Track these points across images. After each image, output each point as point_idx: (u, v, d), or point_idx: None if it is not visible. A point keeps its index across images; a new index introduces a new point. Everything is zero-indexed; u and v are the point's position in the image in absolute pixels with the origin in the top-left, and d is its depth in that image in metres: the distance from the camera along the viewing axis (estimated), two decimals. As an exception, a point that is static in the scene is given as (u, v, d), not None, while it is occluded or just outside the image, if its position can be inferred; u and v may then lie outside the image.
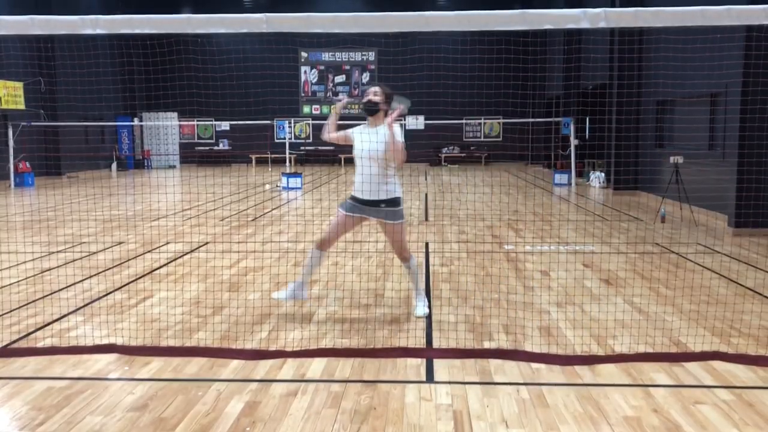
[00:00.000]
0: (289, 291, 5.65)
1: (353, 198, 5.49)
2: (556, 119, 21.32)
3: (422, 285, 5.86)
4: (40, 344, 4.99)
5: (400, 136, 5.21)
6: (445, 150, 28.41)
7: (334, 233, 5.59)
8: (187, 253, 8.60)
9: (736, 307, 5.77)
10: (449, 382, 4.21)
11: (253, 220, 11.93)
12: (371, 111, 5.44)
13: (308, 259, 5.62)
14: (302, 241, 9.53)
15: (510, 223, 11.21)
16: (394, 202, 5.39)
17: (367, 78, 29.42)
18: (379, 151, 5.28)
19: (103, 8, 23.90)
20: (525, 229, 10.64)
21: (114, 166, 26.50)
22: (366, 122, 5.55)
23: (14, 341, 5.06)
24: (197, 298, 6.31)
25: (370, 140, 5.32)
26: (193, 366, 4.50)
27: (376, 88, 5.47)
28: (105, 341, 5.01)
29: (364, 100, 5.46)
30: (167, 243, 9.35)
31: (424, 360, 4.59)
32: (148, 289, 6.66)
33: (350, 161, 23.87)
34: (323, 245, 5.58)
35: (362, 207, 5.45)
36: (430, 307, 5.82)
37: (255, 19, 4.39)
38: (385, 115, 5.36)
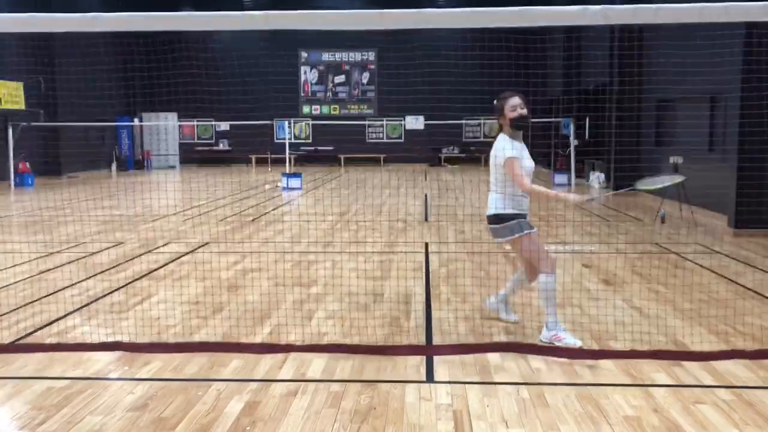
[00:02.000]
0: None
1: (524, 216, 4.91)
2: (556, 119, 21.31)
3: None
4: (40, 344, 4.98)
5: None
6: (444, 150, 28.41)
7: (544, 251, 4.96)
8: (187, 254, 8.60)
9: (736, 307, 5.76)
10: (449, 382, 4.21)
11: (253, 220, 11.92)
12: (525, 125, 4.88)
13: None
14: (302, 241, 9.53)
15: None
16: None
17: (367, 78, 29.40)
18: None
19: (103, 7, 23.88)
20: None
21: (114, 166, 26.49)
22: (507, 135, 4.90)
23: (14, 341, 5.06)
24: (197, 298, 6.30)
25: (529, 158, 4.88)
26: (193, 366, 4.49)
27: (519, 99, 4.85)
28: (105, 341, 5.00)
29: (516, 114, 4.80)
30: (167, 243, 9.35)
31: (424, 360, 4.58)
32: (147, 290, 6.65)
33: (350, 161, 23.74)
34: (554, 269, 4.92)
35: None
36: (430, 310, 5.80)
37: (255, 17, 4.38)
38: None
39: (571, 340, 4.74)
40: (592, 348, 4.81)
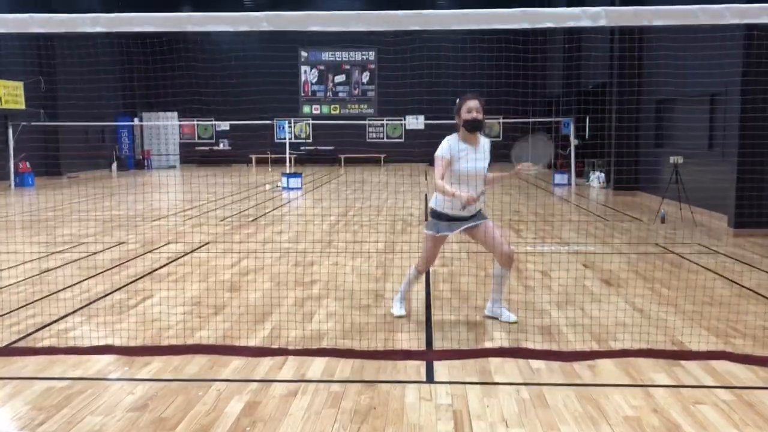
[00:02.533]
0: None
1: (444, 216, 5.16)
2: (556, 119, 21.31)
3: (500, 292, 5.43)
4: (40, 344, 4.98)
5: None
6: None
7: (433, 257, 5.40)
8: (187, 253, 8.60)
9: (737, 308, 5.77)
10: (449, 382, 4.21)
11: (253, 220, 11.93)
12: (476, 128, 5.08)
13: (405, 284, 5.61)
14: (302, 241, 9.53)
15: (510, 224, 11.20)
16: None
17: (367, 77, 29.41)
18: (485, 169, 5.17)
19: (103, 7, 23.88)
20: (525, 229, 10.63)
21: (114, 166, 26.51)
22: (455, 136, 5.15)
23: (15, 341, 5.06)
24: (198, 298, 6.31)
25: (476, 158, 5.08)
26: (193, 366, 4.50)
27: (477, 103, 5.05)
28: (105, 341, 5.01)
29: (470, 117, 5.01)
30: (168, 243, 9.35)
31: (424, 360, 4.58)
32: (148, 289, 6.65)
33: (350, 161, 23.76)
34: (423, 271, 5.52)
35: (461, 222, 5.20)
36: (429, 307, 5.81)
37: (255, 17, 4.39)
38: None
39: (396, 310, 5.56)
40: (592, 348, 4.82)
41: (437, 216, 5.20)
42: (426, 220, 5.25)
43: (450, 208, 5.11)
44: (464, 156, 5.06)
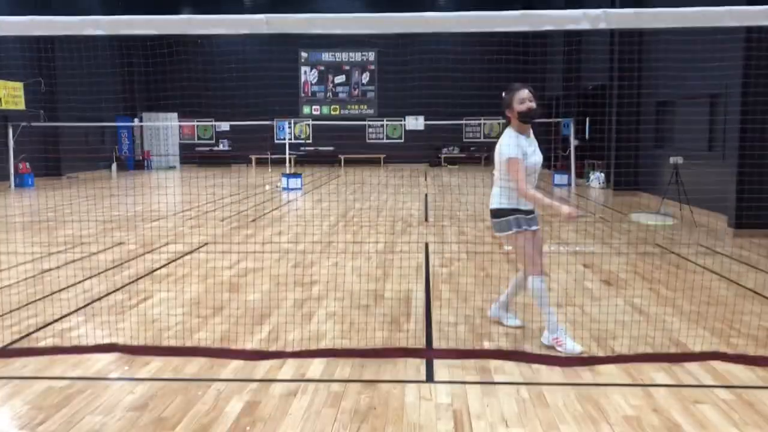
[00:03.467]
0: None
1: (524, 212, 4.82)
2: (556, 119, 21.32)
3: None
4: (40, 344, 4.99)
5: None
6: (444, 150, 28.42)
7: (535, 253, 4.86)
8: (186, 254, 8.61)
9: (737, 308, 5.77)
10: (449, 382, 4.22)
11: (252, 220, 11.93)
12: (532, 118, 4.75)
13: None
14: (302, 241, 9.54)
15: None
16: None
17: (367, 78, 29.42)
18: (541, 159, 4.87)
19: (104, 9, 23.89)
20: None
21: (114, 166, 26.50)
22: (514, 129, 4.79)
23: (14, 341, 5.07)
24: (197, 298, 6.31)
25: (536, 153, 4.80)
26: (193, 366, 4.50)
27: (528, 92, 4.72)
28: (105, 341, 5.02)
29: (523, 108, 4.68)
30: (167, 244, 9.36)
31: (424, 360, 4.59)
32: (147, 290, 6.66)
33: (350, 162, 23.68)
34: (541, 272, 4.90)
35: (529, 218, 4.86)
36: (429, 308, 5.81)
37: (255, 20, 4.39)
38: None
39: (570, 346, 4.71)
40: (592, 348, 4.82)
41: (513, 212, 4.78)
42: (496, 218, 4.84)
43: (520, 203, 4.76)
44: (531, 150, 4.76)
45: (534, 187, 4.80)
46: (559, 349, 4.73)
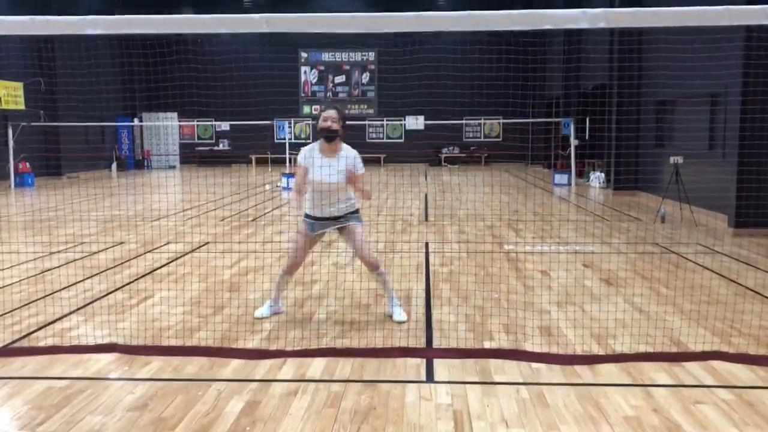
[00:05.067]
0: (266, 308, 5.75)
1: (309, 217, 5.48)
2: (556, 119, 21.32)
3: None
4: (40, 344, 4.99)
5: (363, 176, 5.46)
6: (445, 150, 28.41)
7: (300, 253, 5.56)
8: (187, 253, 8.61)
9: (736, 307, 5.77)
10: (449, 382, 4.22)
11: (253, 220, 11.93)
12: (330, 138, 5.29)
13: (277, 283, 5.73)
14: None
15: (510, 223, 11.21)
16: (357, 212, 5.60)
17: (367, 78, 29.42)
18: (340, 182, 5.29)
19: (103, 8, 23.88)
20: (525, 229, 10.64)
21: (114, 166, 26.50)
22: (315, 147, 5.37)
23: (15, 341, 5.07)
24: (198, 297, 6.31)
25: (330, 173, 5.25)
26: (193, 366, 4.50)
27: (333, 113, 5.28)
28: (106, 341, 5.02)
29: (323, 125, 5.27)
30: (167, 243, 9.36)
31: (424, 360, 4.59)
32: (148, 289, 6.66)
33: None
34: (290, 270, 5.64)
35: (327, 222, 5.47)
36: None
37: (255, 20, 4.39)
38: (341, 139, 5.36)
39: (261, 312, 5.58)
40: (592, 348, 4.83)
41: (305, 216, 5.48)
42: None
43: (309, 207, 5.42)
44: (318, 165, 5.24)
45: (328, 201, 5.30)
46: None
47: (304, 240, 5.47)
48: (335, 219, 5.42)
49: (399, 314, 5.54)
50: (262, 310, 5.67)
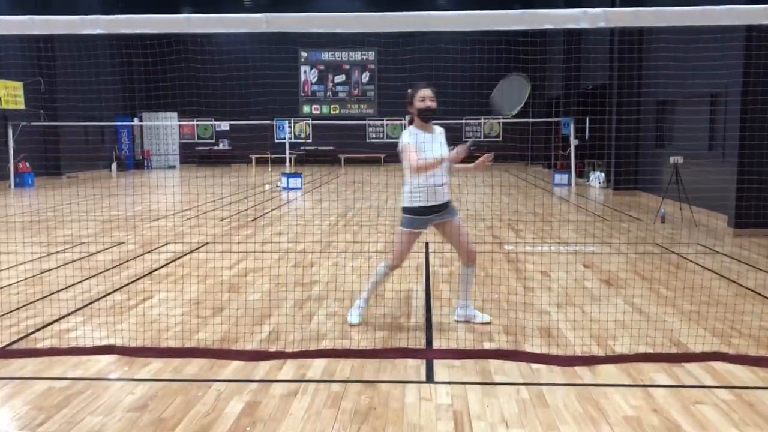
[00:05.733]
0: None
1: (424, 209, 5.09)
2: (556, 119, 21.31)
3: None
4: (40, 345, 4.98)
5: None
6: (444, 150, 28.39)
7: (406, 253, 5.29)
8: (186, 254, 8.60)
9: (737, 308, 5.77)
10: (449, 383, 4.21)
11: (252, 220, 11.93)
12: (430, 117, 5.06)
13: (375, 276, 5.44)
14: (302, 241, 9.53)
15: (510, 224, 11.20)
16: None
17: (367, 77, 29.42)
18: (444, 155, 5.04)
19: (103, 8, 23.88)
20: (525, 229, 10.64)
21: (114, 166, 26.50)
22: (412, 126, 5.12)
23: (14, 342, 5.06)
24: (197, 298, 6.31)
25: (434, 147, 5.01)
26: (193, 366, 4.50)
27: (430, 92, 5.02)
28: (105, 342, 5.01)
29: (423, 106, 4.99)
30: (167, 243, 9.35)
31: (424, 360, 4.58)
32: (147, 290, 6.66)
33: (350, 161, 23.75)
34: (394, 269, 5.34)
35: (434, 215, 5.16)
36: (429, 308, 5.80)
37: (255, 19, 4.39)
38: None
39: (353, 318, 5.34)
40: (592, 348, 4.82)
41: (411, 212, 5.12)
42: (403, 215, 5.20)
43: (425, 200, 5.05)
44: (426, 147, 4.99)
45: (443, 180, 5.02)
46: (348, 318, 5.39)
47: (410, 237, 5.18)
48: (443, 207, 5.12)
49: (480, 316, 5.39)
50: (355, 317, 5.38)
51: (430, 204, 5.08)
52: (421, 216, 5.12)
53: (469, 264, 5.31)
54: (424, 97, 5.00)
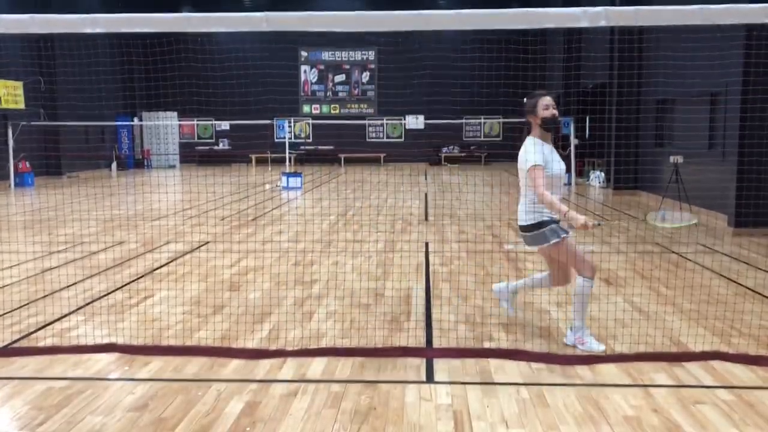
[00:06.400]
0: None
1: (553, 220, 4.72)
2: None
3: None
4: (40, 344, 4.99)
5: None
6: (445, 150, 28.41)
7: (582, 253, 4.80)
8: (187, 253, 8.60)
9: (736, 307, 5.77)
10: (449, 382, 4.21)
11: (253, 219, 11.93)
12: (554, 127, 4.76)
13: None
14: (302, 240, 9.53)
15: (510, 223, 11.19)
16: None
17: (367, 77, 29.41)
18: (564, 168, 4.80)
19: (103, 7, 23.87)
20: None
21: (114, 165, 26.49)
22: (536, 137, 4.76)
23: (15, 341, 5.06)
24: (198, 297, 6.31)
25: (559, 158, 4.77)
26: (193, 366, 4.50)
27: (551, 100, 4.73)
28: (106, 341, 5.01)
29: (548, 114, 4.69)
30: (167, 242, 9.35)
31: (424, 360, 4.58)
32: (148, 289, 6.66)
33: (350, 161, 23.69)
34: (594, 273, 4.77)
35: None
36: (429, 307, 5.80)
37: (255, 18, 4.39)
38: None
39: (595, 346, 4.73)
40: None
41: (548, 223, 4.68)
42: (529, 232, 4.78)
43: (550, 213, 4.68)
44: (555, 157, 4.74)
45: (559, 195, 4.71)
46: (580, 347, 4.76)
47: (570, 242, 4.71)
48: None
49: (597, 345, 4.81)
50: (595, 344, 4.80)
51: (548, 217, 4.70)
52: (557, 223, 4.71)
53: (554, 284, 5.00)
54: (548, 105, 4.69)
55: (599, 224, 4.72)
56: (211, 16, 4.48)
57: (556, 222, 4.69)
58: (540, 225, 4.70)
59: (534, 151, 4.65)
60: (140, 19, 4.47)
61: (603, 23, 4.36)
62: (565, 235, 4.67)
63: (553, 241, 4.67)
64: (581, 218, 4.45)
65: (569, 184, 18.39)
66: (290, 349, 4.80)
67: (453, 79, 23.72)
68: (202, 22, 4.55)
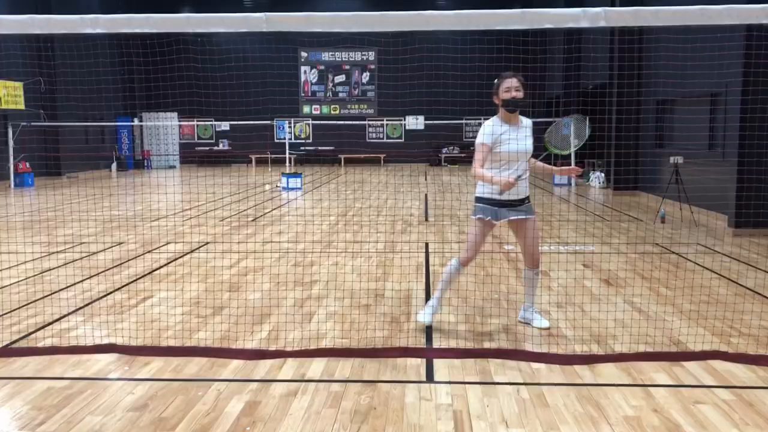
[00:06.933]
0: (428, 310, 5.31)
1: (491, 201, 4.97)
2: (556, 119, 21.30)
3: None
4: (40, 344, 4.99)
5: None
6: (445, 150, 28.41)
7: (479, 244, 5.08)
8: (187, 254, 8.60)
9: (736, 307, 5.77)
10: (449, 382, 4.21)
11: (253, 220, 11.93)
12: (514, 109, 4.92)
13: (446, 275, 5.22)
14: (302, 241, 9.53)
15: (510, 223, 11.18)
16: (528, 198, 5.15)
17: (367, 78, 29.42)
18: (529, 152, 4.98)
19: (103, 8, 23.87)
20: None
21: (114, 166, 26.50)
22: (496, 117, 5.00)
23: (14, 341, 5.06)
24: (197, 298, 6.31)
25: (518, 138, 4.90)
26: (193, 366, 4.50)
27: (516, 81, 4.88)
28: (105, 341, 5.01)
29: (508, 96, 4.87)
30: (167, 243, 9.35)
31: (424, 360, 4.58)
32: (148, 290, 6.66)
33: (350, 161, 23.68)
34: (466, 262, 5.11)
35: (507, 209, 5.00)
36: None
37: (255, 19, 4.39)
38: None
39: (428, 319, 5.17)
40: (592, 348, 4.82)
41: (483, 201, 5.01)
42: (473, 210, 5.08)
43: (491, 192, 4.95)
44: (507, 138, 4.88)
45: (521, 175, 4.86)
46: (420, 318, 5.23)
47: (483, 229, 5.00)
48: (519, 203, 4.99)
49: (540, 321, 5.24)
50: (426, 316, 5.18)
51: (503, 198, 4.91)
52: (491, 206, 4.96)
53: (532, 267, 5.16)
54: (510, 87, 4.88)
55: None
56: (211, 16, 4.48)
57: (492, 203, 4.97)
58: (476, 199, 5.11)
59: (483, 131, 4.94)
60: (140, 20, 4.47)
61: (603, 24, 4.36)
62: (480, 216, 5.00)
63: (472, 216, 5.09)
64: (503, 180, 4.75)
65: (569, 184, 18.39)
66: (290, 350, 4.80)
67: (453, 79, 23.70)
68: (202, 23, 4.56)
